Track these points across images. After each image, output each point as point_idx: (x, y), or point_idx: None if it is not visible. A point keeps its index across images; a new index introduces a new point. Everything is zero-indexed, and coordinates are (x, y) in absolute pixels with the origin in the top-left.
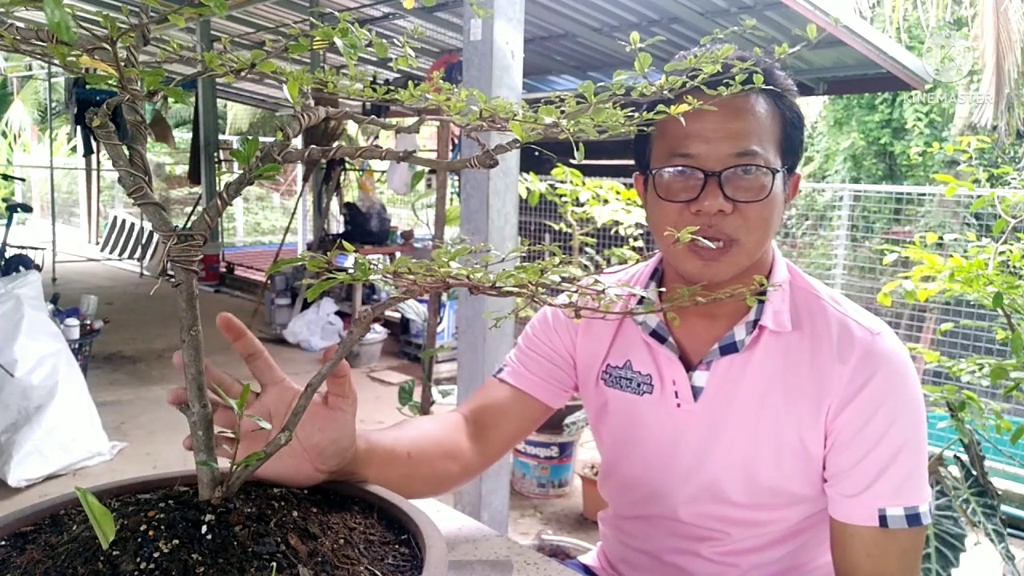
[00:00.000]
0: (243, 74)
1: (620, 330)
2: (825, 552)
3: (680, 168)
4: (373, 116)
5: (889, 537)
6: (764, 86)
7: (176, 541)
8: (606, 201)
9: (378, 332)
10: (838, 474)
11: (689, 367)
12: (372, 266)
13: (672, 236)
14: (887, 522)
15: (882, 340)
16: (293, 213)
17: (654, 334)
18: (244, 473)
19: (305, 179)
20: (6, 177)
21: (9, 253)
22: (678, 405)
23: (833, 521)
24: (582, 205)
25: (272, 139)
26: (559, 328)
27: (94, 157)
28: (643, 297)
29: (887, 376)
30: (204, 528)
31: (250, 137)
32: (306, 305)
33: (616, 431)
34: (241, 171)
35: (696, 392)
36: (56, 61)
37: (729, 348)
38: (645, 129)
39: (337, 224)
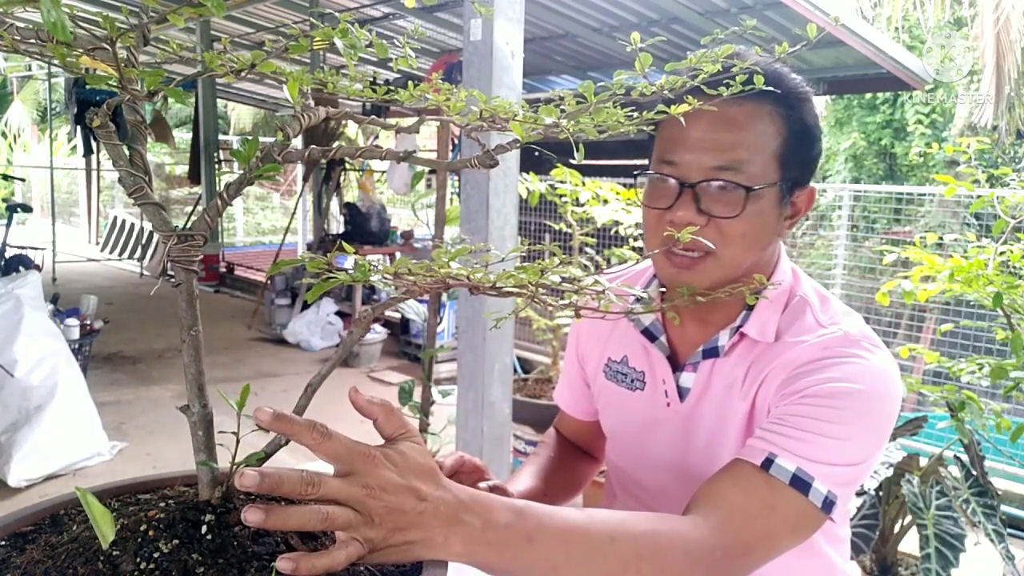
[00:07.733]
0: (243, 74)
1: (616, 325)
2: (815, 556)
3: (659, 176)
4: (373, 116)
5: (764, 482)
6: (768, 89)
7: (176, 541)
8: (606, 201)
9: (378, 332)
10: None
11: (677, 367)
12: (372, 266)
13: (655, 239)
14: (770, 467)
15: (869, 356)
16: (293, 213)
17: (646, 332)
18: None
19: (305, 179)
20: (6, 177)
21: (9, 253)
22: (667, 404)
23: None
24: (582, 205)
25: (272, 139)
26: (576, 343)
27: (94, 157)
28: (641, 296)
29: (864, 380)
30: (204, 528)
31: (250, 137)
32: (306, 305)
33: (611, 424)
34: (241, 171)
35: (682, 392)
36: (56, 61)
37: (712, 352)
38: (645, 129)
39: (337, 224)
